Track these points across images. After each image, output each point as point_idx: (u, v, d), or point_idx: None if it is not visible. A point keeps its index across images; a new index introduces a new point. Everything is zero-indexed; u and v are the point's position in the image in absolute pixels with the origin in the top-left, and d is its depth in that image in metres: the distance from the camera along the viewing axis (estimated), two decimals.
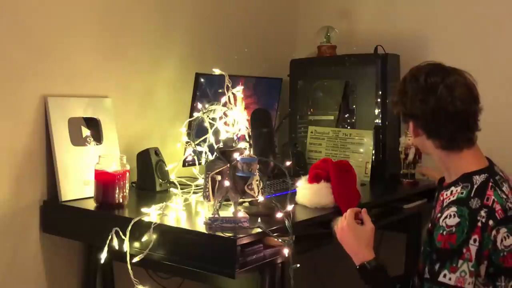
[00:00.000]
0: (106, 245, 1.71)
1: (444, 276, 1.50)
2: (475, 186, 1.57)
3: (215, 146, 1.83)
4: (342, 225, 1.72)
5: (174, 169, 2.13)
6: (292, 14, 3.04)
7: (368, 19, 2.84)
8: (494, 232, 1.52)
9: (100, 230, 1.75)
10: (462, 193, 1.57)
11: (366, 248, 1.67)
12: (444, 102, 1.59)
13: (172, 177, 2.12)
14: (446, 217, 1.54)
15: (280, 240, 1.61)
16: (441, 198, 1.66)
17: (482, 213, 1.52)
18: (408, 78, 1.67)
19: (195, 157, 2.06)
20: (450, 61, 2.64)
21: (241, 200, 1.69)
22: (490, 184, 1.58)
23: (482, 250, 1.50)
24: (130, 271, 1.67)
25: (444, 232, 1.52)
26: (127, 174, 1.89)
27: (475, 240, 1.49)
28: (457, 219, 1.51)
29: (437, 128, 1.62)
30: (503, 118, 2.46)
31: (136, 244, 1.69)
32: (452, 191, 1.62)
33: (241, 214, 1.64)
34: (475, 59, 2.53)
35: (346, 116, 2.67)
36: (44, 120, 1.95)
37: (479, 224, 1.50)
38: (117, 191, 1.85)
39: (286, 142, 2.62)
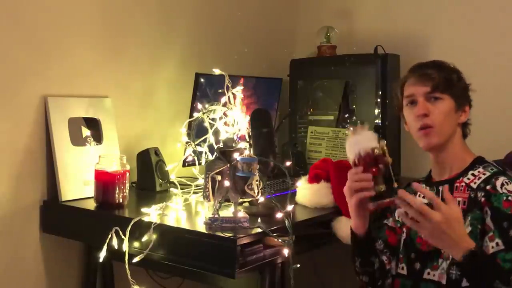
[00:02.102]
0: (105, 244, 1.71)
1: None
2: (496, 164, 1.66)
3: (215, 146, 1.83)
4: (447, 215, 1.43)
5: (174, 169, 2.13)
6: (292, 14, 3.04)
7: (368, 19, 2.84)
8: None
9: (100, 230, 1.75)
10: (492, 169, 1.64)
11: (466, 234, 1.49)
12: None
13: (172, 177, 2.12)
14: (503, 184, 1.57)
15: (280, 240, 1.61)
16: (463, 184, 1.67)
17: None
18: (441, 63, 1.75)
19: (195, 157, 2.06)
20: (450, 61, 2.64)
21: (241, 200, 1.69)
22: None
23: None
24: (128, 271, 1.67)
25: (510, 198, 1.55)
26: (127, 174, 1.89)
27: None
28: None
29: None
30: (503, 118, 2.46)
31: (136, 244, 1.69)
32: (474, 174, 1.66)
33: (241, 214, 1.64)
34: (475, 59, 2.53)
35: (346, 116, 2.67)
36: (44, 120, 1.95)
37: None
38: (117, 191, 1.85)
39: (286, 142, 2.62)
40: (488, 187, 1.59)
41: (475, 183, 1.64)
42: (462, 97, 1.73)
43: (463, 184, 1.67)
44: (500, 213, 1.54)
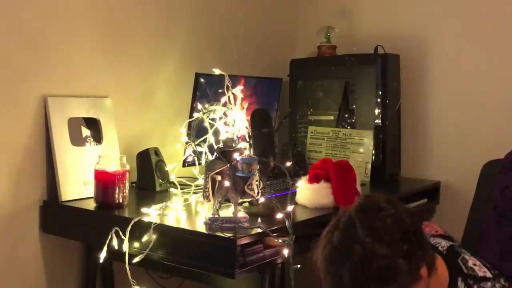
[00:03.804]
0: (106, 245, 1.71)
1: None
2: None
3: (215, 146, 1.83)
4: None
5: (174, 169, 2.13)
6: (292, 14, 3.04)
7: (368, 19, 2.84)
8: None
9: (100, 230, 1.75)
10: None
11: None
12: None
13: (172, 177, 2.12)
14: None
15: (280, 241, 1.61)
16: None
17: None
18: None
19: (195, 157, 2.06)
20: (449, 61, 2.66)
21: (241, 200, 1.69)
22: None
23: None
24: (128, 271, 1.67)
25: None
26: (127, 174, 1.89)
27: None
28: None
29: None
30: (503, 118, 2.46)
31: (136, 244, 1.69)
32: None
33: (241, 214, 1.64)
34: (474, 59, 2.53)
35: (346, 116, 2.67)
36: (44, 120, 1.95)
37: None
38: (117, 191, 1.85)
39: (286, 142, 2.62)
40: None
41: None
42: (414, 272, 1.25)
43: None
44: None
